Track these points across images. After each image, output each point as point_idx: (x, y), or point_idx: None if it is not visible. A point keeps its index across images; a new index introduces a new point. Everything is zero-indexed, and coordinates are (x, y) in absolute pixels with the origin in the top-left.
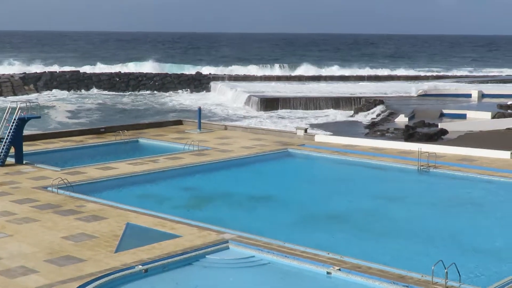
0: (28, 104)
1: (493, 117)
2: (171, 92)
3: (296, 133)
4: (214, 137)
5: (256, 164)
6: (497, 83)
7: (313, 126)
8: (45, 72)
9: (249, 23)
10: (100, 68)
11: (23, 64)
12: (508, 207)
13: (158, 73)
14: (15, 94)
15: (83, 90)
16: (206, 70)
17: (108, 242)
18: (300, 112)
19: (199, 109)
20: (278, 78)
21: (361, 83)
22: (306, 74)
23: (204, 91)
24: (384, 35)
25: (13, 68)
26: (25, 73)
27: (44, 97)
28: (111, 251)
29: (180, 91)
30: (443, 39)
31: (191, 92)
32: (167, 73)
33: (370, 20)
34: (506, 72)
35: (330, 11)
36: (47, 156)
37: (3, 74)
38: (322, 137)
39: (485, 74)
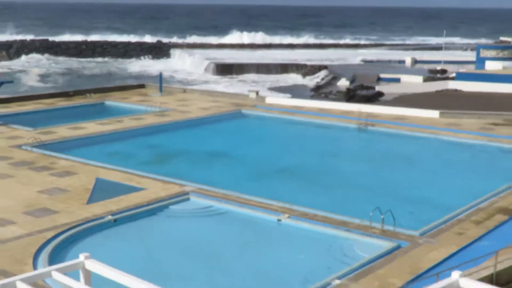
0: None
1: (424, 80)
2: (134, 59)
3: (249, 96)
4: (174, 99)
5: (212, 124)
6: (429, 50)
7: (264, 89)
8: (15, 40)
9: None
10: (67, 37)
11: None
12: (435, 160)
13: (121, 42)
14: None
15: (54, 56)
16: (166, 39)
17: (80, 195)
18: (253, 77)
19: (160, 74)
20: (232, 46)
21: (307, 51)
22: (257, 43)
23: (165, 58)
24: (333, 7)
25: None
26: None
27: (16, 64)
28: (83, 203)
29: (142, 58)
30: (385, 11)
31: (153, 59)
32: (129, 41)
33: None
34: (436, 40)
35: None
36: (20, 118)
37: None
38: (272, 99)
39: (418, 42)
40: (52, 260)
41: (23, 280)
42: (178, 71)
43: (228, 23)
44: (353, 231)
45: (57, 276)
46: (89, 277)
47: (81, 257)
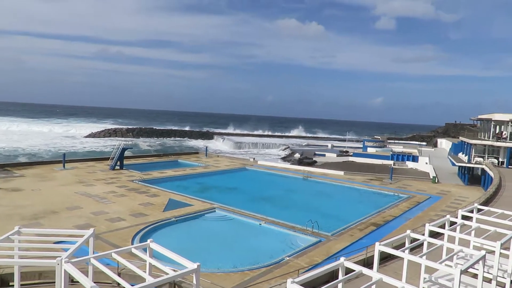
0: (127, 141)
1: (337, 156)
2: (194, 139)
3: (249, 160)
4: (212, 160)
5: (230, 173)
6: (339, 141)
7: (258, 156)
8: (137, 127)
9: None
10: (159, 126)
11: (128, 124)
12: (341, 196)
13: (187, 130)
14: (122, 137)
15: (155, 137)
16: (211, 129)
17: (160, 207)
18: (252, 150)
19: (206, 147)
20: (243, 135)
21: (282, 139)
22: (256, 133)
23: (209, 139)
24: (292, 118)
25: (122, 124)
26: (128, 127)
27: (136, 139)
28: (161, 211)
29: (198, 139)
30: (315, 121)
31: (203, 140)
32: (191, 130)
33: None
34: (343, 137)
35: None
36: (135, 166)
37: (121, 128)
38: (261, 162)
39: (335, 136)
40: (141, 240)
41: (116, 252)
42: (215, 146)
43: (244, 125)
44: (297, 231)
45: (134, 251)
46: (151, 252)
47: (148, 241)
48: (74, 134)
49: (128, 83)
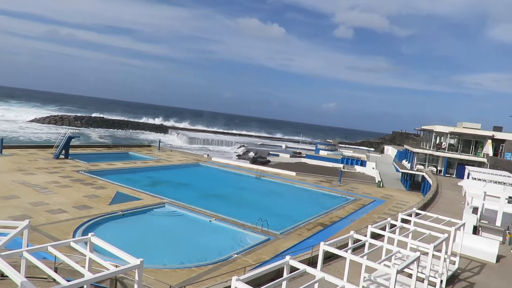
0: (75, 130)
1: (290, 157)
2: (148, 131)
3: (203, 156)
4: (165, 154)
5: (183, 168)
6: (293, 142)
7: (212, 153)
8: (87, 115)
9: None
10: (112, 116)
11: (77, 111)
12: (291, 196)
13: (141, 121)
14: (69, 125)
15: (105, 128)
16: (166, 123)
17: (106, 200)
18: (208, 146)
19: (159, 140)
20: (201, 131)
21: (237, 137)
22: (212, 129)
23: (164, 133)
24: (246, 116)
25: (69, 112)
26: (76, 115)
27: (84, 128)
28: (107, 204)
29: (152, 132)
30: (270, 121)
31: (157, 132)
32: (146, 122)
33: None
34: (297, 138)
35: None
36: (82, 156)
37: (69, 115)
38: (215, 158)
39: (290, 137)
40: (84, 234)
41: (53, 246)
42: (169, 140)
43: (199, 120)
44: (247, 229)
45: (73, 245)
46: (92, 247)
47: (89, 234)
48: (14, 118)
49: (79, 69)
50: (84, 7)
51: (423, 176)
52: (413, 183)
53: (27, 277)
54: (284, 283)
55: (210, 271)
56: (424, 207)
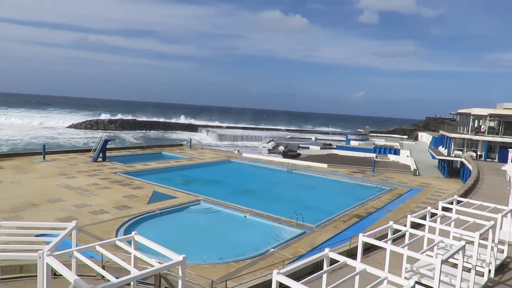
0: (110, 133)
1: (321, 149)
2: (179, 131)
3: (234, 152)
4: (197, 152)
5: (215, 165)
6: (323, 134)
7: (242, 149)
8: (120, 118)
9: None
10: (144, 118)
11: (111, 115)
12: (324, 188)
13: (173, 121)
14: (104, 129)
15: (138, 129)
16: (196, 122)
17: (144, 199)
18: (237, 142)
19: (190, 139)
20: (227, 127)
21: (265, 132)
22: (240, 125)
23: (194, 132)
24: (275, 110)
25: (105, 116)
26: (110, 118)
27: (118, 131)
28: (145, 203)
29: (183, 131)
30: (299, 114)
31: (188, 132)
32: (176, 122)
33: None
34: (327, 129)
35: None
36: (118, 158)
37: (103, 119)
38: (246, 154)
39: (319, 129)
40: (126, 233)
41: (100, 245)
42: (199, 138)
43: (227, 117)
44: (282, 223)
45: (119, 243)
46: (136, 245)
47: (133, 233)
48: (53, 125)
49: (107, 73)
50: (108, 12)
51: (462, 162)
52: (452, 170)
53: (78, 275)
54: (324, 275)
55: (248, 266)
56: (465, 194)
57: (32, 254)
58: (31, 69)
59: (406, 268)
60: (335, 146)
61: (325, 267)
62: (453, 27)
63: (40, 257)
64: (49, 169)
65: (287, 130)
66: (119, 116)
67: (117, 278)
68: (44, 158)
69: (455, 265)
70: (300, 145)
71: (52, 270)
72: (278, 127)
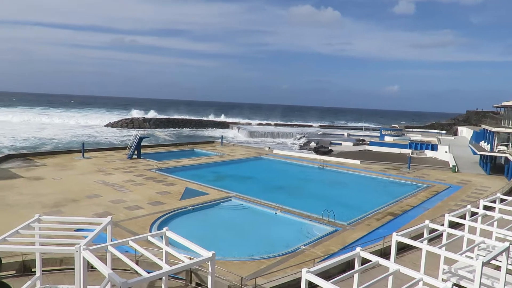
0: (144, 131)
1: (353, 145)
2: (211, 128)
3: (265, 149)
4: (228, 149)
5: (246, 162)
6: (356, 129)
7: (273, 145)
8: (154, 117)
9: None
10: (178, 115)
11: (145, 113)
12: (357, 185)
13: (204, 119)
14: (139, 127)
15: (171, 127)
16: (228, 119)
17: (177, 195)
18: (267, 139)
19: (222, 136)
20: (258, 124)
21: (295, 128)
22: (271, 122)
23: (225, 129)
24: (307, 106)
25: (139, 114)
26: (144, 117)
27: (152, 129)
28: (178, 199)
29: (214, 128)
30: (331, 110)
31: (218, 129)
32: (209, 119)
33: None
34: (360, 125)
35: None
36: (152, 155)
37: (138, 118)
38: (277, 150)
39: (352, 125)
40: (159, 228)
41: (133, 240)
42: (231, 135)
43: (258, 114)
44: (313, 220)
45: (151, 239)
46: (167, 240)
47: (164, 229)
48: (91, 124)
49: (142, 72)
50: (142, 14)
51: (506, 158)
52: (495, 166)
53: (113, 269)
54: (355, 275)
55: (279, 263)
56: (510, 192)
57: (70, 248)
58: (69, 71)
59: (444, 269)
60: (368, 142)
61: (356, 267)
62: (495, 13)
63: (77, 251)
64: (87, 166)
65: (318, 126)
66: (153, 115)
67: (149, 272)
68: (83, 155)
69: (497, 268)
70: (332, 141)
71: (89, 263)
72: (310, 123)
